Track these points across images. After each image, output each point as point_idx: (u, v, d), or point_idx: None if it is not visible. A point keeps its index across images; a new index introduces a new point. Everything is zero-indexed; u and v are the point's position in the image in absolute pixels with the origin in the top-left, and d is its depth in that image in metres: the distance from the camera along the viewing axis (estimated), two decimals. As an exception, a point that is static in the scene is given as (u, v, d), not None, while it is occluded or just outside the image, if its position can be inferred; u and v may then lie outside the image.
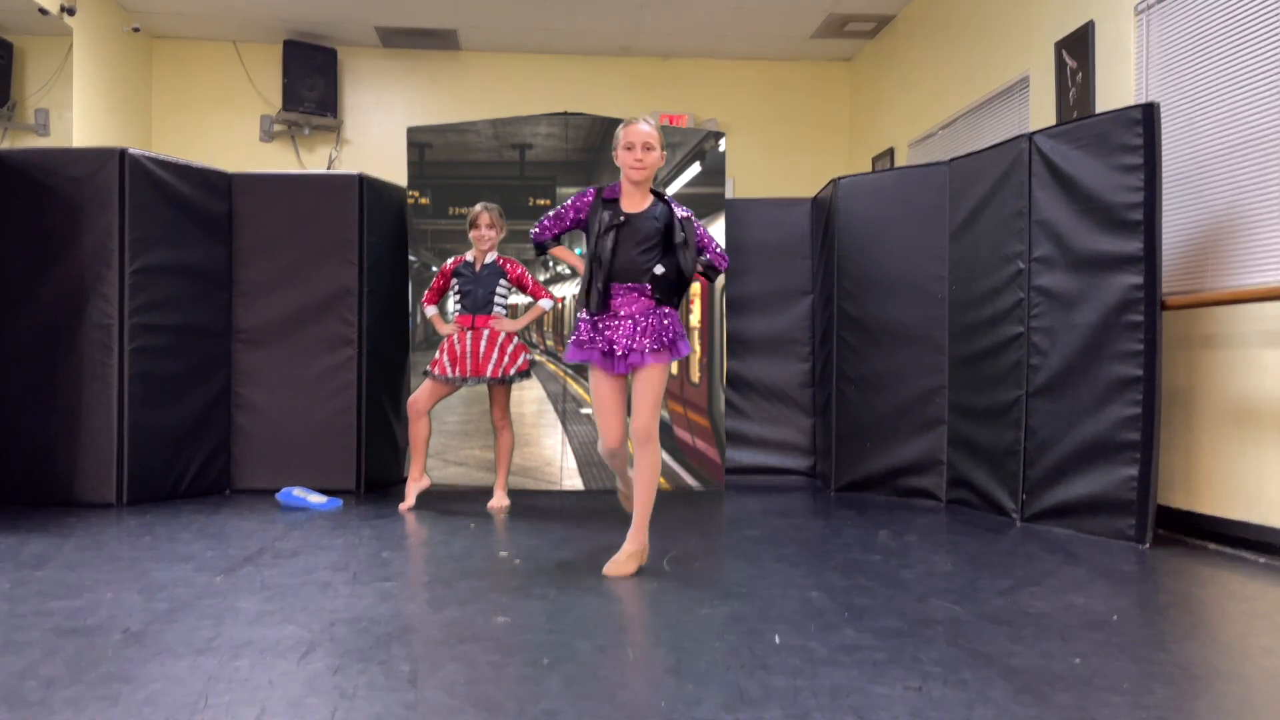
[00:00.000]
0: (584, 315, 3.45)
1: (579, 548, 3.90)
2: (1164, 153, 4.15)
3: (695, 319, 5.87)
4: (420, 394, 4.98)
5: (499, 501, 5.02)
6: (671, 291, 3.45)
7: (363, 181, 5.51)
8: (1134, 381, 4.09)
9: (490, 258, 4.98)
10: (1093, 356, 4.26)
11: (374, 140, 8.32)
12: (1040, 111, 5.56)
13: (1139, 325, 4.08)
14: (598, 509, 4.95)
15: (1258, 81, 4.00)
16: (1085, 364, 4.29)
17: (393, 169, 6.27)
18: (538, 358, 5.45)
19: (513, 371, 4.94)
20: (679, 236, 3.42)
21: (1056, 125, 4.65)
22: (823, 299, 5.91)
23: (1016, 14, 5.88)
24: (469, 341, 4.91)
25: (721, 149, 5.91)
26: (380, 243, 5.64)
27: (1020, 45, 5.83)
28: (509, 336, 4.94)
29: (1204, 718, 2.10)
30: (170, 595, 3.01)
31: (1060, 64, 5.33)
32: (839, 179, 5.72)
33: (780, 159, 8.52)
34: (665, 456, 5.82)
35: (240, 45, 8.31)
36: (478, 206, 4.96)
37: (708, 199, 5.84)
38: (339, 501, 5.08)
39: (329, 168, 8.27)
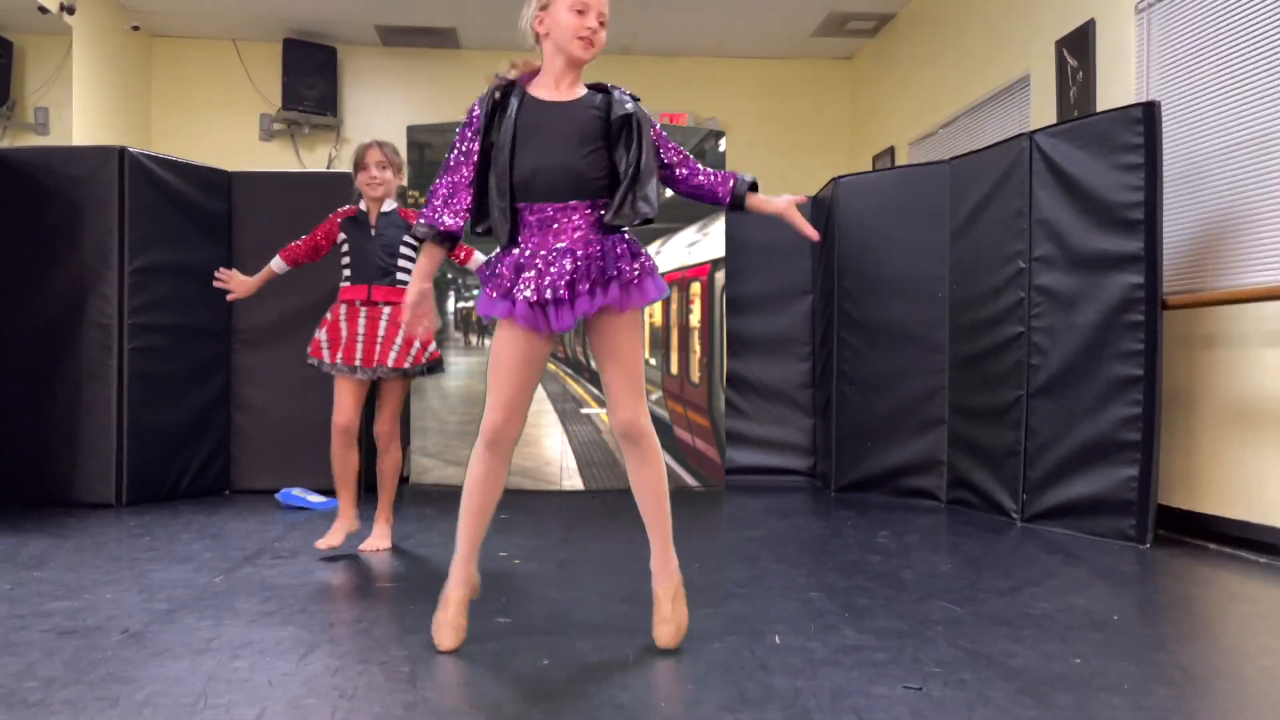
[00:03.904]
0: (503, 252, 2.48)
1: (579, 548, 3.89)
2: (1165, 152, 4.14)
3: (695, 319, 5.86)
4: (341, 403, 3.64)
5: (377, 543, 3.77)
6: (624, 210, 2.42)
7: (362, 181, 5.50)
8: (1134, 381, 4.09)
9: (389, 205, 3.80)
10: (1093, 356, 4.25)
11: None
12: (1041, 110, 5.56)
13: (1139, 325, 4.07)
14: (598, 509, 4.94)
15: (1259, 80, 4.00)
16: (1086, 364, 4.28)
17: (392, 168, 6.26)
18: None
19: (422, 361, 3.71)
20: (633, 135, 2.47)
21: (1057, 124, 4.64)
22: (823, 299, 5.91)
23: (1017, 12, 5.87)
24: (362, 321, 3.64)
25: (721, 149, 5.91)
26: (380, 242, 5.62)
27: (1021, 44, 5.83)
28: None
29: (1204, 719, 2.09)
30: (169, 596, 3.01)
31: (1061, 63, 5.32)
32: (839, 178, 5.72)
33: (780, 159, 8.50)
34: (665, 456, 5.81)
35: (240, 44, 8.30)
36: (366, 141, 3.84)
37: (708, 198, 5.83)
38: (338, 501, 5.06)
39: (329, 167, 8.26)
